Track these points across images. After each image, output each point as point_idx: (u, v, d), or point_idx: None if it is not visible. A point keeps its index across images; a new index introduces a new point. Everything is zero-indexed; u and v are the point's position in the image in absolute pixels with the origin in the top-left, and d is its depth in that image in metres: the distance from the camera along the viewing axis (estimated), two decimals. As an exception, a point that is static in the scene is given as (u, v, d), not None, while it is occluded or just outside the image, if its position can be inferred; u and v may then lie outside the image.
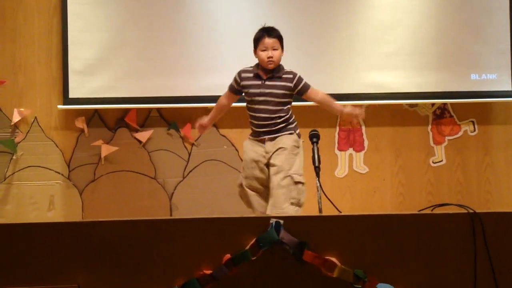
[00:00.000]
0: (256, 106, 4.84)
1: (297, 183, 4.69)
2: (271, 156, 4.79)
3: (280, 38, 4.88)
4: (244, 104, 4.90)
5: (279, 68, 4.87)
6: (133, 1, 6.33)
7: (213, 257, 3.50)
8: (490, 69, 6.46)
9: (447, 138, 6.60)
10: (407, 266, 3.57)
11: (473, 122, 6.61)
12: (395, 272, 3.55)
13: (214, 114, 5.17)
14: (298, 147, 4.82)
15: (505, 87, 6.45)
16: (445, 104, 6.59)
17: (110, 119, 6.44)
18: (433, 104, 6.59)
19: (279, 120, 4.81)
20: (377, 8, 6.40)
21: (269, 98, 4.82)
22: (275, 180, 4.73)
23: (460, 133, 6.61)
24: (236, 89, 4.94)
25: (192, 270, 3.51)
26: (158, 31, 6.32)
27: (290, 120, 4.86)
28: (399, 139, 6.57)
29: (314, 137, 4.66)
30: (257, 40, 4.86)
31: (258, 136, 4.86)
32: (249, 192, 4.86)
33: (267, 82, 4.83)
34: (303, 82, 4.89)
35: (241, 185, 4.92)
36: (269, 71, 4.84)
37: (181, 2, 6.35)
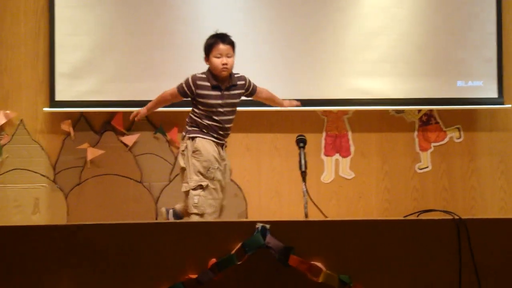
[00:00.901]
0: (218, 117, 4.89)
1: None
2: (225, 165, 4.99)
3: (233, 45, 4.89)
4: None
5: (231, 75, 4.88)
6: (121, 5, 6.32)
7: (199, 261, 3.49)
8: (476, 76, 6.49)
9: (433, 144, 6.62)
10: (393, 272, 3.57)
11: (458, 128, 6.63)
12: (380, 277, 3.56)
13: (153, 105, 5.18)
14: None
15: (491, 94, 6.48)
16: (431, 110, 6.61)
17: (97, 123, 6.42)
18: (419, 111, 6.61)
19: (231, 127, 4.98)
20: (364, 15, 6.42)
21: (230, 108, 4.87)
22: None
23: (446, 140, 6.63)
24: (186, 94, 4.93)
25: (177, 274, 3.49)
26: (145, 35, 6.31)
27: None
28: (386, 145, 6.59)
29: (301, 142, 4.65)
30: (210, 46, 4.84)
31: (218, 140, 4.93)
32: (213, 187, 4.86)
33: (226, 92, 4.83)
34: (252, 84, 5.01)
35: (205, 187, 4.87)
36: (225, 80, 4.85)
37: (168, 6, 6.34)
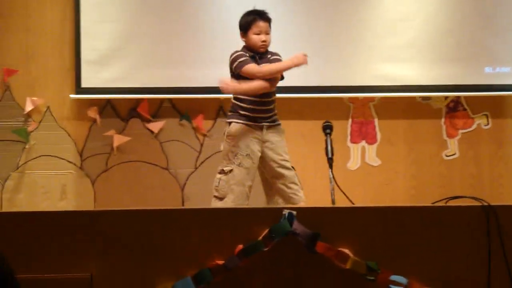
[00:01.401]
0: None
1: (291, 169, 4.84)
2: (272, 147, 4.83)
3: (270, 22, 4.85)
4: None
5: (266, 51, 4.86)
6: (147, -8, 6.34)
7: (226, 248, 3.50)
8: (504, 62, 6.43)
9: (460, 131, 6.57)
10: (420, 259, 3.56)
11: (486, 115, 6.58)
12: (408, 264, 3.54)
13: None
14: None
15: (520, 80, 6.43)
16: (458, 97, 6.56)
17: (123, 109, 6.44)
18: (446, 97, 6.56)
19: (271, 106, 4.88)
20: (391, 0, 6.37)
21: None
22: (289, 174, 4.82)
23: (473, 127, 6.58)
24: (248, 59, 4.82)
25: (204, 260, 3.50)
26: (171, 22, 6.31)
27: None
28: (412, 132, 6.55)
29: (328, 129, 4.64)
30: (250, 23, 4.78)
31: (256, 121, 4.81)
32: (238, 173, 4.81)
33: (261, 61, 4.81)
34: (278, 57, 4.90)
35: (228, 172, 4.82)
36: (260, 54, 4.82)
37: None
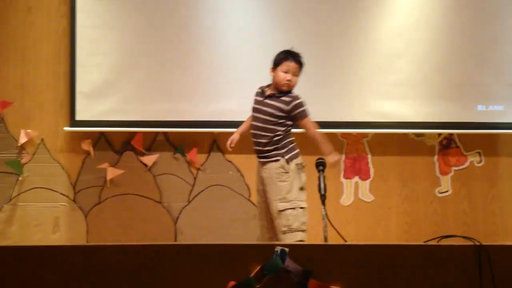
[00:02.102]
0: (252, 122, 5.02)
1: (281, 211, 4.76)
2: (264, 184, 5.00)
3: (302, 65, 5.01)
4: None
5: (287, 91, 4.91)
6: (142, 25, 6.35)
7: (218, 284, 3.48)
8: (497, 100, 6.45)
9: (453, 168, 6.59)
10: (412, 297, 3.55)
11: (479, 153, 6.60)
12: (400, 303, 3.54)
13: (244, 127, 5.22)
14: (285, 172, 4.85)
15: (512, 118, 6.46)
16: (451, 134, 6.58)
17: (117, 142, 6.45)
18: (439, 134, 6.59)
19: (264, 141, 4.92)
20: (385, 37, 6.41)
21: (262, 115, 4.92)
22: (270, 212, 4.96)
23: (466, 164, 6.60)
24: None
25: (196, 296, 3.49)
26: (166, 55, 6.34)
27: (280, 144, 4.90)
28: (405, 169, 6.56)
29: (320, 165, 4.66)
30: (281, 60, 4.96)
31: (257, 154, 5.06)
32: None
33: (266, 100, 4.91)
34: (300, 109, 4.95)
35: None
36: (273, 90, 4.95)
37: (189, 27, 6.36)
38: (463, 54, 6.44)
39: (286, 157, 4.91)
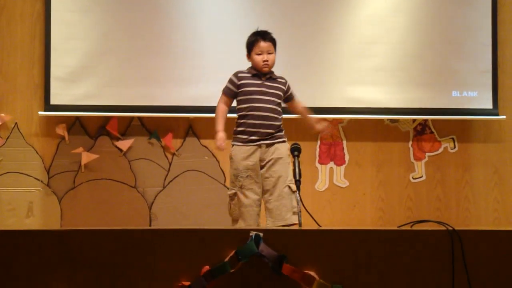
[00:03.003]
0: (256, 105, 4.84)
1: (294, 192, 4.71)
2: (267, 165, 4.81)
3: (274, 42, 4.95)
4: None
5: (271, 72, 4.94)
6: (117, 10, 6.32)
7: (192, 269, 3.49)
8: (471, 86, 6.51)
9: (427, 154, 6.63)
10: (386, 282, 3.57)
11: (453, 139, 6.65)
12: (373, 287, 3.56)
13: (220, 122, 4.90)
14: (289, 155, 4.84)
15: (486, 105, 6.50)
16: (426, 120, 6.62)
17: (91, 127, 6.42)
18: (414, 120, 6.62)
19: (277, 123, 4.86)
20: (360, 24, 6.43)
21: (270, 97, 4.85)
22: (276, 191, 4.76)
23: (440, 150, 6.64)
24: (232, 92, 4.91)
25: (170, 281, 3.49)
26: (141, 40, 6.31)
27: (282, 127, 4.90)
28: (380, 154, 6.60)
29: (296, 151, 4.67)
30: (252, 44, 4.91)
31: (251, 142, 4.82)
32: (245, 202, 4.77)
33: (266, 82, 4.87)
34: (291, 89, 5.04)
35: (233, 196, 4.82)
36: (265, 73, 4.90)
37: (165, 12, 6.34)
38: (438, 41, 6.48)
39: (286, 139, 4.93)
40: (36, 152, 6.35)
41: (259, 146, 4.81)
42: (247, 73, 4.93)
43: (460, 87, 6.49)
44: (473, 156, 6.65)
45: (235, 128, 4.88)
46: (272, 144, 4.83)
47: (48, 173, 6.36)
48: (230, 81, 4.92)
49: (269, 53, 4.89)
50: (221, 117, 4.88)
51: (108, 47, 6.30)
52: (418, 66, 6.46)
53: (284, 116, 5.85)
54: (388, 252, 3.59)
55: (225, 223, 5.03)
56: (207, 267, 3.48)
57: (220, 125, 4.83)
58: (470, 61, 6.50)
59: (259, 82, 4.89)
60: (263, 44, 4.88)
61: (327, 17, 6.42)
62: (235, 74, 4.93)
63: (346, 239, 3.61)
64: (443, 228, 3.61)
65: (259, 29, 4.99)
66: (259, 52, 4.87)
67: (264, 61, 4.86)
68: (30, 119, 6.36)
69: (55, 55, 6.26)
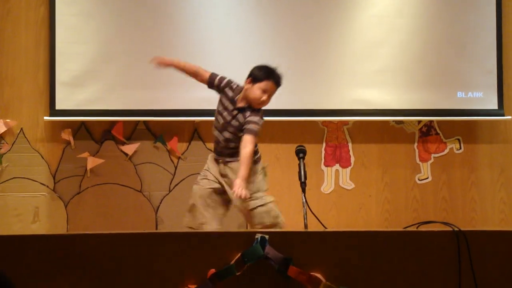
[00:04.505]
0: (219, 124, 4.85)
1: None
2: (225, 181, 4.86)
3: (279, 86, 4.78)
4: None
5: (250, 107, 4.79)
6: (122, 14, 6.33)
7: (198, 272, 3.49)
8: (477, 87, 6.49)
9: (433, 155, 6.62)
10: (392, 283, 3.57)
11: (459, 140, 6.64)
12: (379, 289, 3.56)
13: (181, 66, 4.98)
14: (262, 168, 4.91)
15: (491, 105, 6.49)
16: (431, 121, 6.61)
17: (97, 132, 6.42)
18: (419, 122, 6.62)
19: (234, 144, 4.79)
20: (365, 26, 6.43)
21: (230, 124, 4.77)
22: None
23: (446, 151, 6.63)
24: (213, 82, 4.85)
25: (176, 284, 3.50)
26: (146, 44, 6.30)
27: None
28: (386, 156, 6.59)
29: (301, 153, 4.66)
30: (263, 78, 4.69)
31: (217, 155, 4.95)
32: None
33: (234, 112, 4.75)
34: (250, 125, 4.70)
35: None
36: (244, 103, 4.75)
37: (170, 16, 6.34)
38: (443, 42, 6.47)
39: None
40: (42, 157, 6.35)
41: (218, 161, 4.91)
42: (232, 91, 4.80)
43: (465, 88, 6.48)
44: (479, 157, 6.64)
45: None
46: (226, 163, 4.86)
47: (54, 178, 6.36)
48: (221, 78, 4.85)
49: (270, 96, 4.72)
50: (189, 66, 5.00)
51: (113, 51, 6.31)
52: (423, 67, 6.45)
53: (289, 118, 5.89)
54: (394, 254, 3.59)
55: (230, 226, 5.03)
56: (213, 270, 3.48)
57: (178, 63, 5.02)
58: (475, 62, 6.49)
59: (230, 106, 4.79)
60: (273, 85, 4.71)
61: (331, 20, 6.42)
62: (228, 81, 4.83)
63: (352, 241, 3.61)
64: (449, 229, 3.61)
65: (276, 69, 4.77)
66: (264, 90, 4.67)
67: (263, 100, 4.69)
68: (35, 125, 6.37)
69: (60, 60, 6.26)
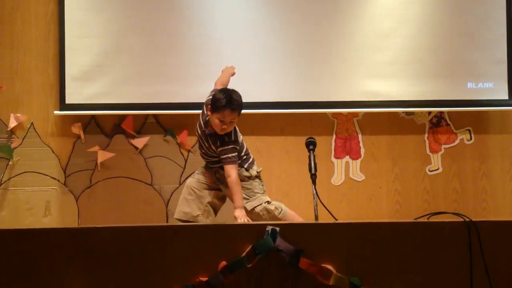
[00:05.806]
0: (200, 144, 4.95)
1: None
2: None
3: (240, 110, 4.73)
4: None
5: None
6: (131, 8, 6.33)
7: (209, 264, 3.50)
8: (487, 78, 6.46)
9: (443, 146, 6.60)
10: (403, 274, 3.57)
11: (469, 130, 6.61)
12: (391, 280, 3.56)
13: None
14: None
15: (502, 96, 6.46)
16: (441, 112, 6.59)
17: (107, 125, 6.43)
18: (429, 113, 6.60)
19: (216, 160, 4.88)
20: (374, 16, 6.41)
21: (205, 147, 4.87)
22: None
23: (456, 142, 6.61)
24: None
25: (188, 277, 3.51)
26: (155, 37, 6.31)
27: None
28: (396, 147, 6.57)
29: (311, 145, 4.65)
30: (218, 108, 4.63)
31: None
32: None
33: (207, 135, 4.81)
34: (224, 158, 4.74)
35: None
36: (212, 129, 4.77)
37: (178, 9, 6.34)
38: (452, 33, 6.44)
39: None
40: (53, 151, 6.37)
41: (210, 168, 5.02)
42: (204, 113, 4.85)
43: (476, 79, 6.45)
44: (489, 148, 6.61)
45: None
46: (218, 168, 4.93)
47: (64, 172, 6.38)
48: (206, 103, 4.85)
49: (230, 122, 4.67)
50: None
51: (122, 45, 6.31)
52: (433, 58, 6.43)
53: (299, 110, 5.87)
54: (405, 245, 3.59)
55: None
56: (224, 263, 3.49)
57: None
58: (485, 52, 6.46)
59: (203, 128, 4.83)
60: (228, 114, 4.63)
61: (341, 11, 6.40)
62: (206, 102, 4.84)
63: (363, 232, 3.61)
64: (460, 219, 3.60)
65: (232, 94, 4.69)
66: (222, 119, 4.63)
67: (223, 127, 4.65)
68: (46, 119, 6.39)
69: (69, 54, 6.27)
